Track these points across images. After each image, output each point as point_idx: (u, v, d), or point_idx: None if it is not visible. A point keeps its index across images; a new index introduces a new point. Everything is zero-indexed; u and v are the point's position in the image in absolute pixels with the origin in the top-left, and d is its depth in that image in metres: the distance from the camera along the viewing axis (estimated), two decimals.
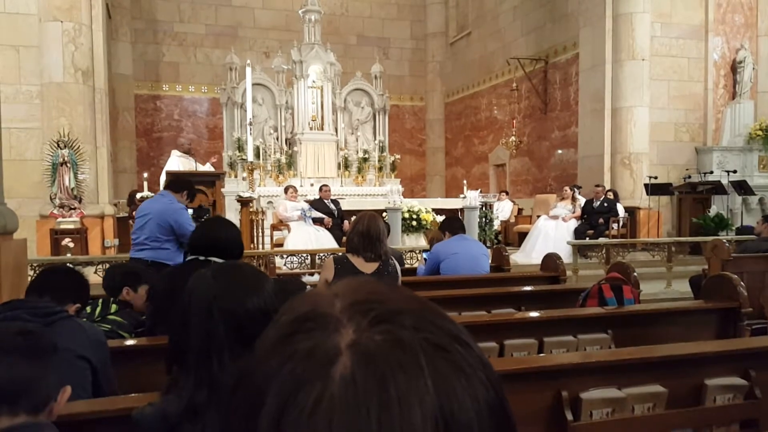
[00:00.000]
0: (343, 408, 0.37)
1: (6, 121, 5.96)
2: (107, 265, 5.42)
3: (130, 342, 2.76)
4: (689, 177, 11.03)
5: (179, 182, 5.14)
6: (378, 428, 0.36)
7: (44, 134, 8.54)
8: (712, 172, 10.79)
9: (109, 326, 2.78)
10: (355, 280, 0.49)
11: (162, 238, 4.78)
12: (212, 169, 10.52)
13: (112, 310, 2.93)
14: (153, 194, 8.83)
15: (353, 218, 3.90)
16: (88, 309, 2.88)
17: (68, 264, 5.93)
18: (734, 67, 11.63)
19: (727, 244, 6.07)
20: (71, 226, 7.99)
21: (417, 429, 0.37)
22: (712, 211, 10.24)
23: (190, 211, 5.51)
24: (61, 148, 8.08)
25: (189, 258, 2.84)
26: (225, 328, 1.28)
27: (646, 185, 10.21)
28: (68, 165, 8.16)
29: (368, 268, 3.39)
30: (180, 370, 1.33)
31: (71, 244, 7.76)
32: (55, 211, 8.12)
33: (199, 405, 1.25)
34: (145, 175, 9.77)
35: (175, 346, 1.37)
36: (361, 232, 3.44)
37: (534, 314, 3.59)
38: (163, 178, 9.20)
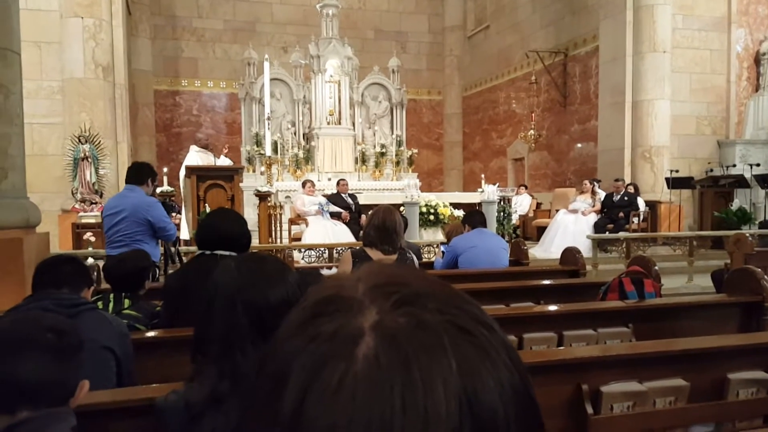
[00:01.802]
0: (366, 387, 0.37)
1: (28, 116, 6.04)
2: None
3: (150, 334, 2.79)
4: (711, 170, 10.88)
5: (138, 172, 4.93)
6: (402, 407, 0.36)
7: (66, 129, 8.66)
8: (734, 166, 10.64)
9: (125, 321, 2.80)
10: (377, 265, 0.49)
11: (138, 234, 4.68)
12: (228, 160, 10.59)
13: (126, 305, 2.94)
14: (172, 189, 8.94)
15: (369, 212, 3.90)
16: (100, 305, 2.87)
17: (90, 257, 6.01)
18: (758, 59, 11.44)
19: (750, 238, 5.98)
20: (92, 221, 8.09)
21: (441, 409, 0.37)
22: (735, 204, 10.09)
23: None
24: (82, 143, 8.18)
25: (197, 253, 2.85)
26: (248, 319, 1.29)
27: (667, 179, 10.10)
28: (89, 160, 8.26)
29: (386, 261, 3.39)
30: (204, 359, 1.34)
31: (92, 238, 7.85)
32: (76, 206, 8.23)
33: (221, 395, 1.26)
34: (165, 169, 9.84)
35: (200, 336, 1.38)
36: (377, 226, 3.44)
37: (553, 308, 3.56)
38: (182, 174, 9.28)
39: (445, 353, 0.39)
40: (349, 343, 0.39)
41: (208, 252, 2.74)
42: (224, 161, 10.41)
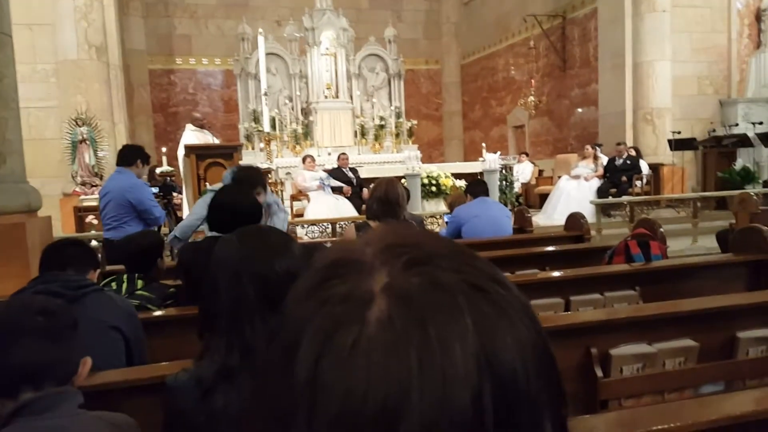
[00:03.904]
0: (381, 349, 0.36)
1: (24, 100, 5.98)
2: None
3: (158, 313, 2.79)
4: (714, 131, 10.80)
5: (127, 154, 4.90)
6: (419, 368, 0.35)
7: (62, 112, 8.60)
8: (737, 125, 10.56)
9: (137, 302, 2.81)
10: (385, 227, 0.48)
11: (124, 217, 4.66)
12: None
13: (139, 286, 2.95)
14: (172, 169, 8.91)
15: (372, 185, 3.88)
16: (114, 285, 2.90)
17: (93, 240, 6.01)
18: (759, 16, 11.28)
19: (754, 197, 5.96)
20: (94, 204, 8.08)
21: (459, 368, 0.36)
22: (738, 164, 10.04)
23: (155, 189, 5.38)
24: (79, 126, 8.14)
25: (209, 235, 2.81)
26: (254, 290, 1.29)
27: (669, 141, 10.03)
28: (87, 143, 8.23)
29: None
30: (212, 335, 1.33)
31: (95, 221, 7.86)
32: (77, 189, 8.22)
33: (232, 368, 1.26)
34: (164, 149, 9.79)
35: (206, 313, 1.37)
36: (379, 198, 3.44)
37: (559, 273, 3.56)
38: (181, 153, 9.24)
39: (461, 312, 0.38)
40: (361, 305, 0.38)
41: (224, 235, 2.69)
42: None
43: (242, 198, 2.81)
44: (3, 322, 1.47)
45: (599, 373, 2.34)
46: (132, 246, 3.14)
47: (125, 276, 2.98)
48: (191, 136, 9.66)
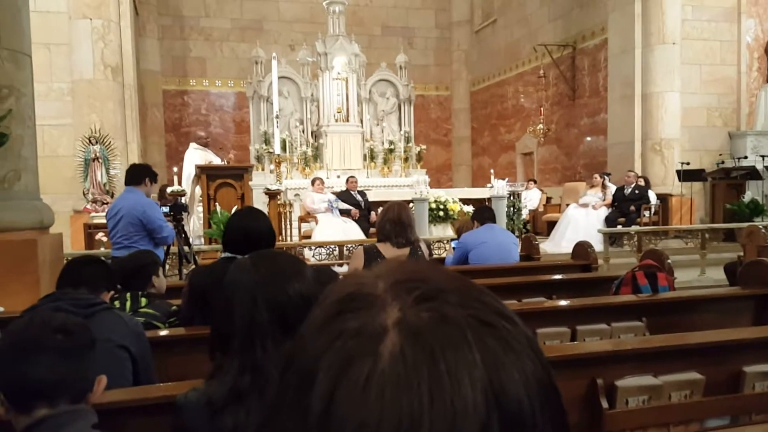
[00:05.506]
0: (394, 382, 0.38)
1: (39, 118, 6.07)
2: None
3: (167, 332, 2.81)
4: (722, 162, 10.79)
5: (135, 173, 4.97)
6: (429, 402, 0.37)
7: (76, 131, 8.71)
8: (746, 157, 10.55)
9: (143, 319, 2.82)
10: (394, 261, 0.50)
11: (134, 235, 4.71)
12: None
13: (143, 304, 2.97)
14: (182, 188, 8.98)
15: (380, 208, 3.94)
16: (117, 304, 2.90)
17: (102, 257, 6.05)
18: None
19: (763, 230, 5.94)
20: (104, 221, 8.14)
21: (468, 402, 0.37)
22: (747, 196, 10.01)
23: (165, 209, 5.43)
24: (92, 144, 8.24)
25: (225, 255, 2.83)
26: (268, 314, 1.31)
27: (678, 171, 10.03)
28: (100, 160, 8.32)
29: (400, 255, 3.42)
30: (223, 356, 1.35)
31: (104, 238, 7.90)
32: (88, 206, 8.29)
33: (243, 390, 1.28)
34: (175, 169, 9.89)
35: (218, 334, 1.39)
36: (392, 219, 3.52)
37: (566, 302, 3.55)
38: (191, 172, 9.33)
39: (469, 347, 0.39)
40: (374, 340, 0.40)
41: (240, 257, 2.70)
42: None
43: (256, 222, 2.83)
44: (22, 338, 1.49)
45: (605, 404, 2.33)
46: (127, 264, 3.17)
47: (128, 294, 3.00)
48: (195, 154, 9.78)
